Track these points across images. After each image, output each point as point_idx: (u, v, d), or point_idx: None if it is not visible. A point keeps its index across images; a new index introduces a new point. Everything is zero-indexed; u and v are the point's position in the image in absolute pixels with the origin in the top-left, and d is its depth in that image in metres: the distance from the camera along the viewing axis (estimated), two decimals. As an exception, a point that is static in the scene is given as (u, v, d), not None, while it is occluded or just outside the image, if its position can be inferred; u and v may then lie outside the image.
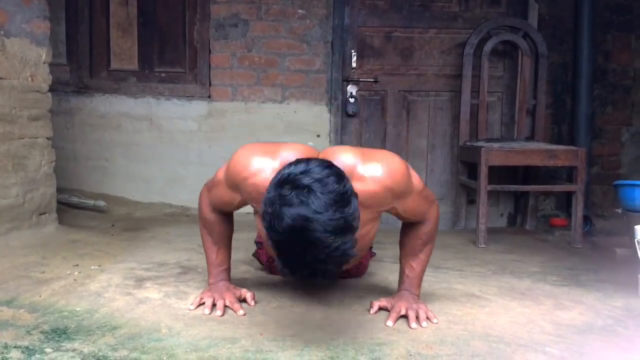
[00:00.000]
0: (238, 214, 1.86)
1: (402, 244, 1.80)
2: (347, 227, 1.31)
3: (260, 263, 2.22)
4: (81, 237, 2.69)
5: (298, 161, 1.37)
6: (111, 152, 3.72)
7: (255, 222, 1.75)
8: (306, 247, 1.28)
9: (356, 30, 3.71)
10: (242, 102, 3.69)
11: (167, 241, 2.74)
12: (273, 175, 1.40)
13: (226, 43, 3.67)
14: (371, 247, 2.15)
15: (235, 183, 1.64)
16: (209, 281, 1.84)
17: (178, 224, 3.24)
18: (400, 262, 1.81)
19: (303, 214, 1.26)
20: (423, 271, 1.80)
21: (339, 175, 1.35)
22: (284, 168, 1.37)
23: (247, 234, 2.50)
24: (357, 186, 1.44)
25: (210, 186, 1.79)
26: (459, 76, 3.61)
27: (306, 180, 1.30)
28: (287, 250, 1.31)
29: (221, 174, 1.71)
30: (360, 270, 2.16)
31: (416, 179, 1.68)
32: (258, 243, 2.15)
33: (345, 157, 1.56)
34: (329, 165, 1.36)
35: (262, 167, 1.57)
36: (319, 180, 1.30)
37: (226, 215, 1.81)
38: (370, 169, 1.56)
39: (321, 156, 1.58)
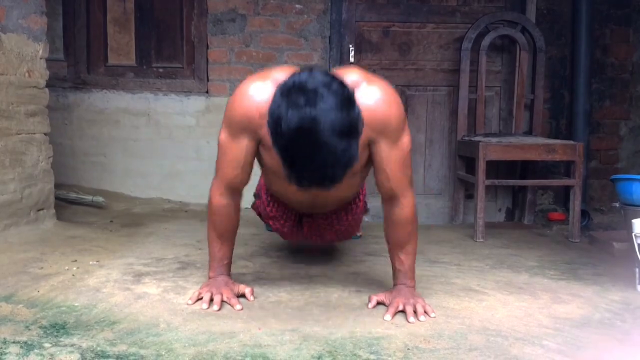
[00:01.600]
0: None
1: (387, 238, 1.80)
2: (352, 129, 1.33)
3: (258, 214, 2.21)
4: (79, 233, 2.69)
5: (301, 70, 1.39)
6: (109, 147, 3.71)
7: (261, 156, 1.74)
8: (314, 149, 1.30)
9: (354, 25, 3.70)
10: (240, 98, 3.68)
11: (165, 237, 2.74)
12: (270, 94, 1.41)
13: (224, 38, 3.66)
14: (366, 204, 2.15)
15: (236, 122, 1.62)
16: (209, 274, 1.84)
17: (176, 219, 3.24)
18: (390, 257, 1.81)
19: (311, 115, 1.28)
20: (413, 262, 1.79)
21: (341, 82, 1.38)
22: (288, 78, 1.38)
23: (246, 229, 2.50)
24: (359, 99, 1.44)
25: (217, 169, 1.75)
26: (456, 71, 3.61)
27: (311, 84, 1.32)
28: (294, 153, 1.32)
29: (222, 132, 1.69)
30: (356, 223, 2.12)
31: (408, 136, 1.69)
32: (256, 195, 2.14)
33: (351, 75, 1.57)
34: (330, 74, 1.39)
35: (256, 90, 1.58)
36: (324, 84, 1.33)
37: (235, 204, 1.78)
38: (373, 88, 1.59)
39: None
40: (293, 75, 1.38)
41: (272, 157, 1.54)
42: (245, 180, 1.74)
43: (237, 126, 1.63)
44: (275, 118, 1.32)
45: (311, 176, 1.36)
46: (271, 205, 2.03)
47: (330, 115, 1.29)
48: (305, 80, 1.34)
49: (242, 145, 1.66)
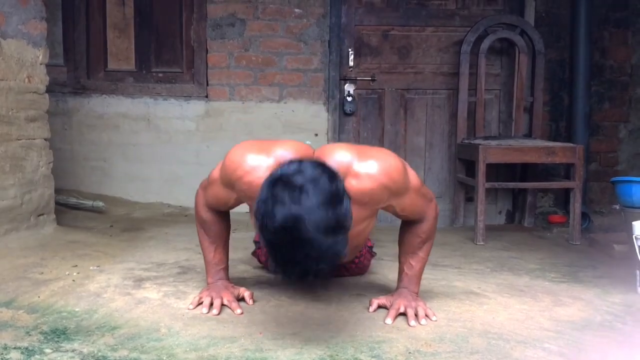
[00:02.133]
0: (236, 212, 1.86)
1: (401, 242, 1.80)
2: (338, 227, 1.31)
3: (259, 262, 2.23)
4: (80, 238, 2.68)
5: (291, 161, 1.37)
6: (109, 152, 3.71)
7: (251, 221, 1.75)
8: (297, 246, 1.28)
9: (353, 29, 3.71)
10: (239, 102, 3.69)
11: (165, 241, 2.74)
12: (267, 172, 1.41)
13: (223, 43, 3.67)
14: (372, 247, 2.15)
15: (230, 181, 1.63)
16: (208, 280, 1.84)
17: (177, 224, 3.24)
18: (400, 260, 1.81)
19: (294, 212, 1.27)
20: (422, 269, 1.80)
21: (332, 175, 1.35)
22: (277, 169, 1.37)
23: (245, 233, 2.50)
24: (353, 183, 1.45)
25: (205, 185, 1.79)
26: (456, 74, 3.61)
27: (298, 179, 1.30)
28: (279, 249, 1.32)
29: (216, 173, 1.71)
30: (361, 270, 2.16)
31: (413, 177, 1.67)
32: (256, 242, 2.16)
33: (341, 155, 1.56)
34: (321, 165, 1.37)
35: (257, 164, 1.57)
36: (311, 180, 1.31)
37: (222, 215, 1.81)
38: (366, 166, 1.56)
39: (317, 154, 1.59)
40: (282, 166, 1.37)
41: None
42: (229, 209, 1.78)
43: (229, 184, 1.65)
44: (261, 212, 1.31)
45: (295, 270, 1.35)
46: None
47: (315, 215, 1.27)
48: (292, 174, 1.32)
49: (230, 197, 1.68)
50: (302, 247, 1.28)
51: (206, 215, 1.79)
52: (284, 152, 1.55)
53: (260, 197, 1.34)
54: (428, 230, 1.75)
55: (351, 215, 1.37)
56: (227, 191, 1.67)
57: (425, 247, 1.77)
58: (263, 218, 1.31)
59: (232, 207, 1.75)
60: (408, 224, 1.77)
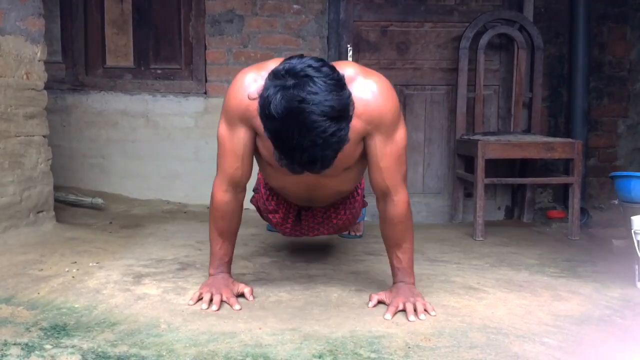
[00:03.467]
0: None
1: (383, 237, 1.81)
2: (342, 111, 1.33)
3: (257, 209, 2.21)
4: (79, 235, 2.68)
5: (292, 57, 1.40)
6: (108, 149, 3.71)
7: (259, 172, 1.74)
8: (303, 130, 1.30)
9: (352, 25, 3.70)
10: (238, 98, 3.68)
11: (165, 238, 2.74)
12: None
13: (221, 39, 3.66)
14: (364, 196, 2.16)
15: (233, 112, 1.63)
16: (210, 271, 1.84)
17: (176, 220, 3.24)
18: (388, 257, 1.82)
19: (299, 95, 1.29)
20: (411, 259, 1.79)
21: (333, 67, 1.38)
22: (279, 64, 1.39)
23: (246, 230, 2.51)
24: (354, 92, 1.45)
25: (218, 165, 1.75)
26: (455, 70, 3.61)
27: (300, 67, 1.33)
28: (284, 135, 1.33)
29: (222, 126, 1.69)
30: (353, 215, 2.12)
31: (403, 131, 1.68)
32: (255, 190, 2.16)
33: (346, 69, 1.57)
34: (321, 59, 1.39)
35: (252, 80, 1.58)
36: (313, 67, 1.33)
37: (238, 202, 1.78)
38: (369, 82, 1.59)
39: None
40: (284, 62, 1.39)
41: (267, 148, 1.56)
42: (247, 173, 1.75)
43: (233, 117, 1.64)
44: (264, 101, 1.33)
45: (301, 159, 1.36)
46: (270, 199, 2.04)
47: (319, 97, 1.29)
48: (295, 63, 1.35)
49: (240, 136, 1.66)
50: (308, 131, 1.30)
51: (224, 197, 1.75)
52: (277, 64, 1.54)
53: (264, 88, 1.35)
54: (402, 214, 1.73)
55: (353, 104, 1.39)
56: (238, 134, 1.64)
57: (407, 237, 1.77)
58: (268, 106, 1.31)
59: (251, 156, 1.71)
60: (382, 210, 1.75)
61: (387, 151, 1.65)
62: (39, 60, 2.74)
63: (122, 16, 3.73)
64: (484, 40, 3.53)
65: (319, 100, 1.29)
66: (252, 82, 1.59)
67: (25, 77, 2.65)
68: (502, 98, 3.77)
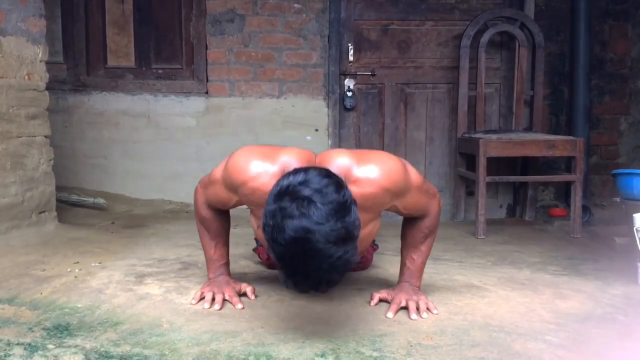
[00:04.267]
0: (238, 208, 1.86)
1: (403, 236, 1.80)
2: (348, 236, 1.32)
3: (260, 259, 2.23)
4: (81, 235, 2.69)
5: (296, 171, 1.37)
6: (110, 149, 3.72)
7: (251, 222, 1.76)
8: (309, 258, 1.29)
9: (353, 24, 3.70)
10: (239, 98, 3.69)
11: (167, 237, 2.74)
12: (272, 179, 1.43)
13: (222, 39, 3.66)
14: (374, 241, 2.16)
15: (233, 185, 1.63)
16: (209, 276, 1.85)
17: (178, 220, 3.24)
18: (401, 254, 1.82)
19: (305, 225, 1.27)
20: (424, 263, 1.80)
21: (338, 184, 1.35)
22: (283, 178, 1.37)
23: (247, 229, 2.51)
24: (354, 189, 1.44)
25: (206, 183, 1.77)
26: (456, 68, 3.61)
27: (306, 191, 1.31)
28: (290, 261, 1.32)
29: (218, 174, 1.69)
30: (364, 264, 2.17)
31: (414, 175, 1.67)
32: (257, 240, 2.16)
33: (340, 160, 1.56)
34: (327, 174, 1.37)
35: (261, 171, 1.56)
36: (318, 191, 1.31)
37: (222, 212, 1.81)
38: (365, 171, 1.56)
39: (318, 161, 1.58)
40: (288, 176, 1.37)
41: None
42: (229, 209, 1.79)
43: (232, 187, 1.64)
44: (270, 225, 1.32)
45: (307, 282, 1.36)
46: None
47: (325, 228, 1.28)
48: (299, 185, 1.32)
49: (232, 198, 1.68)
50: (314, 259, 1.29)
51: (206, 212, 1.79)
52: (288, 159, 1.55)
53: (267, 209, 1.34)
54: (431, 225, 1.76)
55: (360, 223, 1.37)
56: (229, 194, 1.67)
57: (427, 242, 1.78)
58: (272, 231, 1.31)
59: (232, 207, 1.75)
60: (411, 219, 1.77)
61: (409, 201, 1.66)
62: (40, 61, 2.74)
63: (123, 16, 3.73)
64: (484, 38, 3.53)
65: (325, 231, 1.28)
66: (262, 174, 1.56)
67: (26, 77, 2.65)
68: (503, 96, 3.76)
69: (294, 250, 1.29)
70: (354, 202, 1.36)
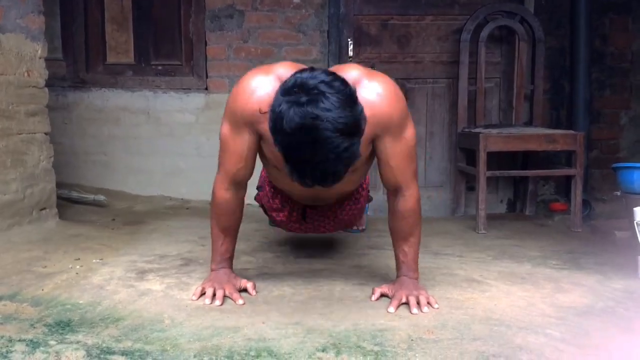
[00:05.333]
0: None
1: (391, 230, 1.81)
2: (355, 127, 1.33)
3: (261, 206, 2.22)
4: (82, 232, 2.69)
5: (303, 70, 1.39)
6: (110, 146, 3.72)
7: (261, 158, 1.75)
8: (316, 146, 1.29)
9: (352, 19, 3.70)
10: (239, 94, 3.68)
11: (168, 234, 2.75)
12: (272, 89, 1.43)
13: (222, 34, 3.66)
14: (369, 191, 2.17)
15: (238, 116, 1.61)
16: (211, 267, 1.85)
17: (178, 216, 3.25)
18: (394, 249, 1.82)
19: (312, 112, 1.27)
20: (417, 253, 1.80)
21: (343, 80, 1.37)
22: (289, 77, 1.37)
23: (249, 225, 2.51)
24: (360, 95, 1.43)
25: (219, 163, 1.75)
26: (456, 63, 3.60)
27: (313, 82, 1.32)
28: (296, 151, 1.32)
29: (224, 126, 1.67)
30: (357, 211, 2.13)
31: (412, 129, 1.67)
32: (259, 187, 2.17)
33: (352, 72, 1.57)
34: (332, 73, 1.38)
35: (259, 84, 1.56)
36: (325, 82, 1.32)
37: (239, 199, 1.78)
38: (374, 84, 1.58)
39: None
40: (295, 73, 1.37)
41: (274, 153, 1.53)
42: (249, 173, 1.74)
43: (239, 120, 1.62)
44: (276, 116, 1.32)
45: (313, 174, 1.36)
46: (274, 197, 2.04)
47: (332, 114, 1.28)
48: (306, 78, 1.33)
49: (244, 139, 1.64)
50: (321, 147, 1.29)
51: (224, 195, 1.75)
52: (283, 69, 1.55)
53: (274, 102, 1.34)
54: (411, 209, 1.74)
55: (365, 119, 1.38)
56: (241, 137, 1.63)
57: (415, 232, 1.77)
58: (280, 120, 1.30)
59: (253, 158, 1.70)
60: (392, 204, 1.76)
61: (397, 150, 1.65)
62: (39, 58, 2.74)
63: (122, 13, 3.73)
64: (484, 32, 3.52)
65: (333, 117, 1.28)
66: (259, 86, 1.57)
67: (26, 74, 2.65)
68: (503, 91, 3.76)
69: (300, 138, 1.28)
70: (359, 100, 1.37)
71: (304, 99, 1.29)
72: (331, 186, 1.44)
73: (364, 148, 1.60)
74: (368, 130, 1.52)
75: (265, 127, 1.47)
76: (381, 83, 1.60)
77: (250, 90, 1.58)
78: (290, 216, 2.06)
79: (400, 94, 1.64)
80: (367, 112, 1.45)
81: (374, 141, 1.65)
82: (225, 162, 1.72)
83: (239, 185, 1.77)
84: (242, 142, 1.65)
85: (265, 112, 1.43)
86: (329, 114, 1.28)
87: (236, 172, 1.71)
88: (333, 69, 1.61)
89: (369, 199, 2.23)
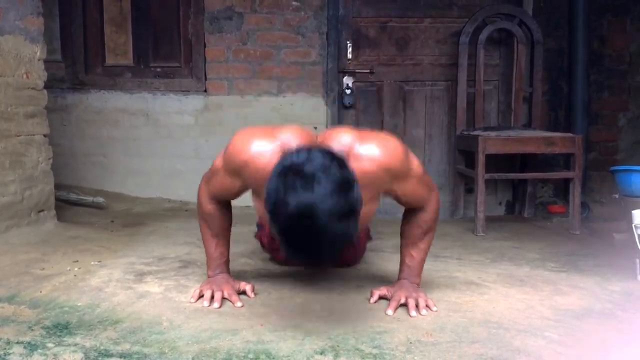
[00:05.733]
0: (237, 207, 1.86)
1: (402, 233, 1.80)
2: (350, 212, 1.33)
3: (262, 245, 2.24)
4: (81, 234, 2.69)
5: (299, 150, 1.39)
6: (109, 148, 3.71)
7: (255, 206, 1.76)
8: (312, 233, 1.30)
9: (351, 21, 3.70)
10: (238, 96, 3.69)
11: (166, 236, 2.74)
12: (273, 157, 1.44)
13: (221, 36, 3.66)
14: (369, 231, 2.16)
15: (235, 168, 1.63)
16: (208, 273, 1.84)
17: (177, 218, 3.24)
18: (401, 251, 1.82)
19: (308, 201, 1.28)
20: (423, 260, 1.80)
21: (341, 162, 1.37)
22: (286, 157, 1.38)
23: (247, 227, 2.51)
24: (354, 165, 1.44)
25: (208, 177, 1.78)
26: (454, 65, 3.61)
27: (309, 168, 1.32)
28: (292, 236, 1.33)
29: (219, 162, 1.70)
30: (356, 254, 2.17)
31: (416, 163, 1.68)
32: (259, 225, 2.18)
33: (343, 138, 1.57)
34: (329, 152, 1.38)
35: (262, 149, 1.56)
36: (321, 168, 1.32)
37: (225, 207, 1.81)
38: (367, 149, 1.57)
39: (320, 139, 1.60)
40: (291, 155, 1.38)
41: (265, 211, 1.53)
42: (234, 198, 1.77)
43: (234, 171, 1.64)
44: (273, 200, 1.33)
45: (309, 256, 1.39)
46: (274, 240, 2.04)
47: (328, 202, 1.29)
48: (302, 162, 1.34)
49: (235, 184, 1.67)
50: (316, 234, 1.30)
51: (209, 207, 1.79)
52: (288, 136, 1.56)
53: (270, 185, 1.34)
54: (429, 220, 1.76)
55: (362, 200, 1.38)
56: (231, 179, 1.66)
57: (426, 239, 1.78)
58: (275, 206, 1.32)
59: (237, 195, 1.74)
60: (410, 214, 1.77)
61: (409, 188, 1.66)
62: (38, 60, 2.74)
63: (121, 14, 3.73)
64: (483, 35, 3.53)
65: (328, 206, 1.29)
66: (261, 151, 1.57)
67: (25, 76, 2.65)
68: (502, 93, 3.76)
69: (296, 225, 1.30)
70: (355, 180, 1.37)
71: (299, 185, 1.30)
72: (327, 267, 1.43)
73: (368, 204, 1.61)
74: (373, 190, 1.58)
75: (258, 185, 1.52)
76: (373, 144, 1.59)
77: (253, 153, 1.58)
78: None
79: (395, 144, 1.63)
80: (367, 177, 1.51)
81: (381, 193, 1.66)
82: (213, 183, 1.75)
83: (224, 202, 1.80)
84: (232, 184, 1.68)
85: (262, 176, 1.46)
86: (324, 203, 1.28)
87: (220, 195, 1.76)
88: (325, 134, 1.64)
89: (370, 238, 2.27)
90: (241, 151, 1.60)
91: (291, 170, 1.33)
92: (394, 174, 1.60)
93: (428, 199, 1.74)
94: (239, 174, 1.62)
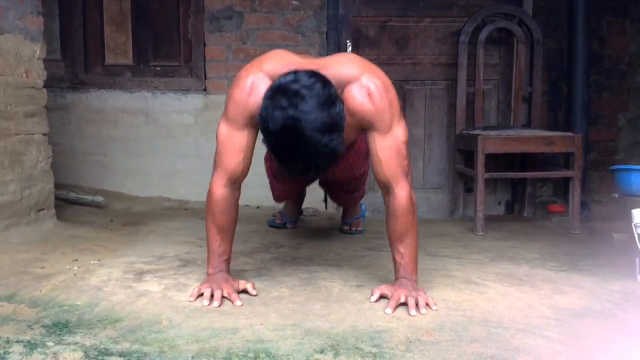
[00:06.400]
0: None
1: (387, 232, 1.82)
2: (333, 125, 1.51)
3: (271, 175, 2.53)
4: (80, 233, 2.69)
5: (287, 73, 1.56)
6: (108, 147, 3.71)
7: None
8: (297, 145, 1.49)
9: (351, 20, 3.70)
10: (238, 95, 3.68)
11: (166, 235, 2.74)
12: (264, 87, 1.61)
13: (221, 36, 3.66)
14: (365, 176, 2.51)
15: (239, 114, 1.72)
16: (208, 271, 1.84)
17: (177, 217, 3.24)
18: (391, 250, 1.83)
19: (292, 115, 1.47)
20: (414, 255, 1.80)
21: (324, 82, 1.54)
22: (275, 81, 1.56)
23: (247, 226, 2.51)
24: (352, 91, 1.66)
25: (216, 159, 1.81)
26: (454, 64, 3.61)
27: (294, 86, 1.50)
28: (281, 148, 1.53)
29: (222, 127, 1.77)
30: (354, 175, 2.43)
31: (402, 128, 1.76)
32: (265, 161, 2.47)
33: (350, 67, 1.72)
34: (315, 74, 1.56)
35: (253, 84, 1.70)
36: (306, 86, 1.50)
37: (234, 196, 1.82)
38: (367, 83, 1.70)
39: (327, 60, 1.78)
40: (280, 78, 1.56)
41: None
42: (246, 170, 1.81)
43: (237, 117, 1.74)
44: (263, 118, 1.52)
45: (296, 167, 1.56)
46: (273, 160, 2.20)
47: (311, 116, 1.47)
48: (289, 83, 1.52)
49: (244, 134, 1.75)
50: (302, 145, 1.49)
51: (220, 193, 1.79)
52: (272, 65, 1.71)
53: (262, 105, 1.54)
54: (404, 208, 1.76)
55: (344, 117, 1.55)
56: (241, 130, 1.74)
57: (410, 232, 1.78)
58: (266, 122, 1.51)
59: (251, 153, 1.79)
60: (386, 206, 1.80)
61: (386, 144, 1.73)
62: (38, 59, 2.73)
63: (121, 14, 3.73)
64: (483, 34, 3.53)
65: (311, 118, 1.47)
66: (255, 86, 1.70)
67: (24, 75, 2.65)
68: (501, 92, 3.77)
69: (283, 137, 1.49)
70: (339, 99, 1.56)
71: (285, 102, 1.48)
72: (315, 177, 1.67)
73: (349, 134, 1.76)
74: (356, 122, 1.72)
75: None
76: (374, 82, 1.71)
77: (247, 91, 1.72)
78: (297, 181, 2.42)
79: (391, 92, 1.75)
80: (356, 109, 1.67)
81: (366, 131, 1.77)
82: (223, 159, 1.79)
83: (236, 184, 1.82)
84: (242, 138, 1.75)
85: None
86: (308, 116, 1.47)
87: (234, 167, 1.78)
88: (334, 57, 1.85)
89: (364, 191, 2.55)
90: (241, 94, 1.73)
91: (279, 90, 1.52)
92: (377, 118, 1.71)
93: (399, 179, 1.75)
94: (245, 117, 1.71)
